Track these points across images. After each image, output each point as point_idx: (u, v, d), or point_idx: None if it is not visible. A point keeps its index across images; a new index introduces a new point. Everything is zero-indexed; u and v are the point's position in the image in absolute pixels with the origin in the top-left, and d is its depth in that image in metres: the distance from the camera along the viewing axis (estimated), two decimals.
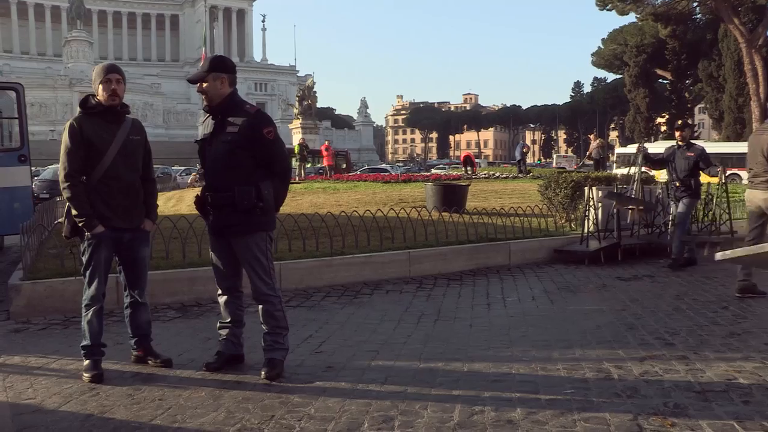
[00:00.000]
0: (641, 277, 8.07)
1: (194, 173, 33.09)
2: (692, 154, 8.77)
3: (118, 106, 4.40)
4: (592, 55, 71.62)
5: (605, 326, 5.56)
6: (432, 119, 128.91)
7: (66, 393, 4.14)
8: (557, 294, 7.07)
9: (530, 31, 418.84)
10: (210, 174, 4.36)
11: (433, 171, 43.66)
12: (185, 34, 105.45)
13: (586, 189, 10.04)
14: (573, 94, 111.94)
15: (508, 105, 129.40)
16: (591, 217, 9.45)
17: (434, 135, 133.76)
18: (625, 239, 9.37)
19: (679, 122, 9.69)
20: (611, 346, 4.96)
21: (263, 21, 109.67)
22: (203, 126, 4.50)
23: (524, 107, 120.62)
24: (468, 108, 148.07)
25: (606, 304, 6.28)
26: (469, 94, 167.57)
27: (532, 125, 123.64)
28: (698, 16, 56.37)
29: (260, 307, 4.42)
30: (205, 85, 4.29)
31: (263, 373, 4.28)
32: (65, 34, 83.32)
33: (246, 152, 4.23)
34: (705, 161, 8.80)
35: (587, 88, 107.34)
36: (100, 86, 4.35)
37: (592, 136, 37.14)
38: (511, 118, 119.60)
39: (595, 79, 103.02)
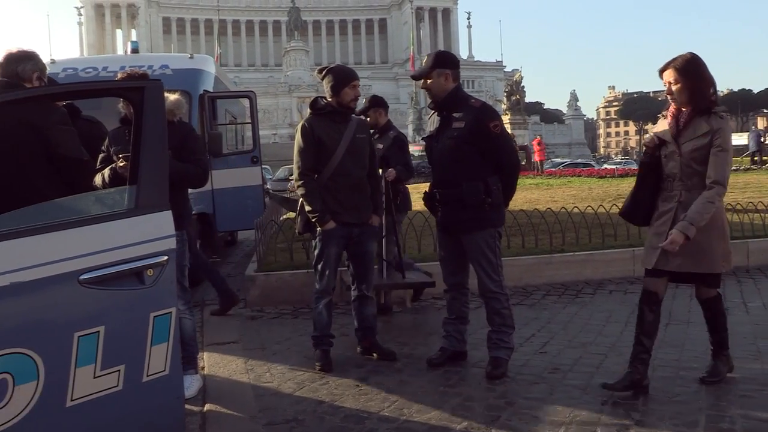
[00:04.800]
0: None
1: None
2: (381, 146, 5.73)
3: (354, 108, 4.57)
4: None
5: None
6: (647, 110, 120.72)
7: (299, 379, 4.36)
8: None
9: (759, 3, 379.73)
10: (438, 170, 4.36)
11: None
12: (393, 36, 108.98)
13: None
14: None
15: (735, 89, 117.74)
16: None
17: (649, 126, 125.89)
18: None
19: (368, 100, 6.16)
20: None
21: (468, 18, 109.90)
22: (429, 123, 4.53)
23: (755, 90, 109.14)
24: None
25: None
26: None
27: (766, 110, 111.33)
28: None
29: (487, 304, 4.35)
30: (429, 81, 4.29)
31: (488, 371, 4.20)
32: (284, 45, 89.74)
33: (473, 147, 4.19)
34: (397, 155, 5.82)
35: None
36: (347, 89, 4.49)
37: None
38: (739, 104, 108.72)
39: None
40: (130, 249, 2.24)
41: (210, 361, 4.88)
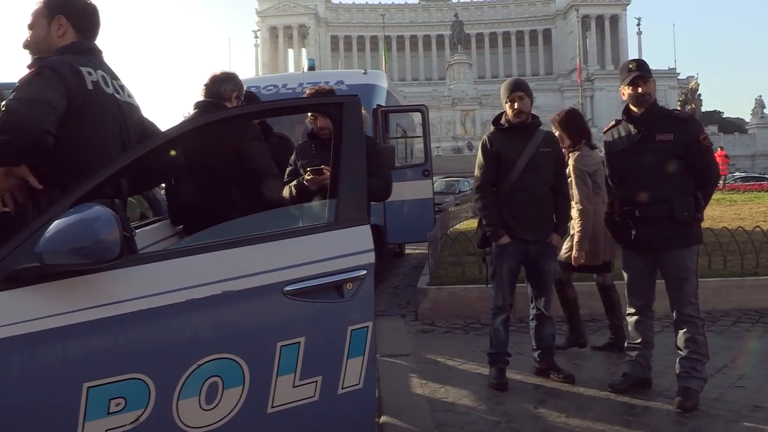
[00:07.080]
0: None
1: None
2: None
3: (526, 121, 4.43)
4: None
5: None
6: None
7: (474, 397, 4.30)
8: None
9: None
10: (637, 186, 4.10)
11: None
12: (557, 46, 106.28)
13: None
14: None
15: None
16: None
17: None
18: None
19: None
20: None
21: (638, 24, 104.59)
22: (609, 135, 4.31)
23: None
24: None
25: None
26: None
27: None
28: None
29: (680, 329, 4.06)
30: (644, 88, 4.04)
31: (677, 402, 3.91)
32: (448, 59, 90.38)
33: (680, 161, 3.97)
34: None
35: None
36: (507, 105, 4.44)
37: None
38: None
39: None
40: (331, 262, 2.29)
41: (384, 373, 4.92)
